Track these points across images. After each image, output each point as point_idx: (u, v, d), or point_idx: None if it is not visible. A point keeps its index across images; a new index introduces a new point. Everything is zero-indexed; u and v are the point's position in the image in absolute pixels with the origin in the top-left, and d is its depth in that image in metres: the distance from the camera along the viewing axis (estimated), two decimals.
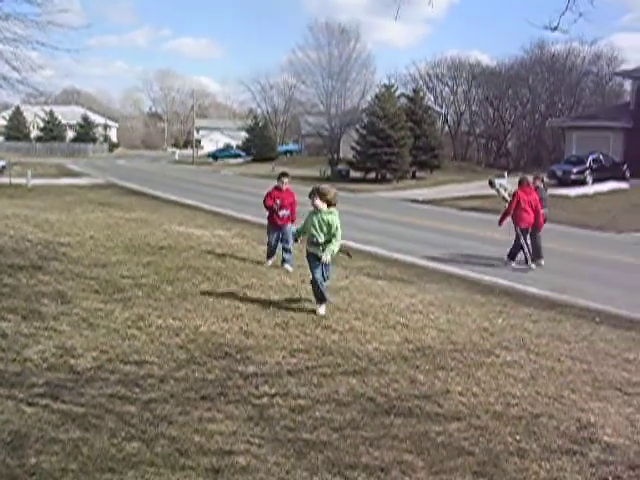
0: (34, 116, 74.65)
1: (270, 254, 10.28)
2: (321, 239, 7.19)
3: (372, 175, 38.41)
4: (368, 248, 13.36)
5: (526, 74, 53.35)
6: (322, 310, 7.32)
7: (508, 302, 8.95)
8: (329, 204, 7.22)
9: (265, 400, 4.77)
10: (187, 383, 5.02)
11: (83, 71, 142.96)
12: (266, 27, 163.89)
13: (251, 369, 5.40)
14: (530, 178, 12.72)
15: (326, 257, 7.15)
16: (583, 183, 29.74)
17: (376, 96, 39.45)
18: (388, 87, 40.16)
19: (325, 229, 7.17)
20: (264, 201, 10.14)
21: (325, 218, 7.18)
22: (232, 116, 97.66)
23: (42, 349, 5.56)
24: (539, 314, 8.25)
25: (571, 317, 8.26)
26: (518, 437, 4.41)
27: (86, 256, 9.99)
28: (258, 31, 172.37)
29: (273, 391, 4.95)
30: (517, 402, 5.06)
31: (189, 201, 22.15)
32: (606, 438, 4.49)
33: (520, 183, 12.40)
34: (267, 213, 10.23)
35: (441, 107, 57.55)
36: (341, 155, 44.82)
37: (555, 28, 5.85)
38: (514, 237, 12.17)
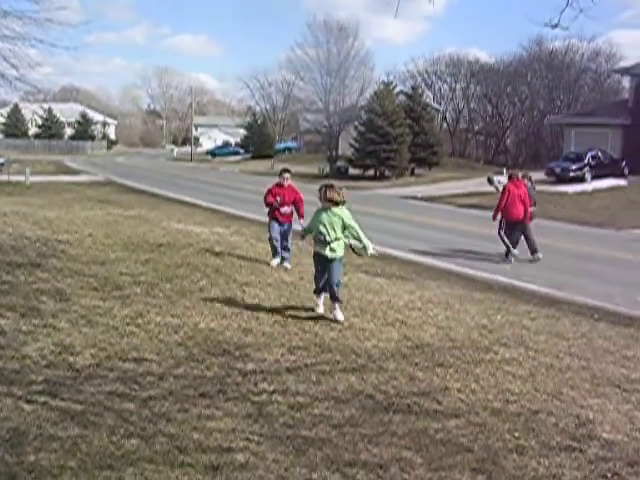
0: (32, 113, 74.37)
1: (275, 253, 9.96)
2: (329, 237, 6.92)
3: (371, 172, 38.41)
4: None
5: (525, 71, 53.37)
6: (340, 315, 6.95)
7: (507, 299, 8.97)
8: (337, 203, 6.94)
9: (264, 397, 4.77)
10: (186, 380, 5.01)
11: (81, 68, 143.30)
12: (265, 25, 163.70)
13: (250, 366, 5.40)
14: (519, 175, 12.94)
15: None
16: (582, 180, 29.74)
17: (375, 93, 39.48)
18: (387, 84, 40.20)
19: (336, 227, 6.90)
20: (264, 198, 9.90)
21: (337, 213, 6.91)
22: (231, 113, 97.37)
23: (41, 346, 5.56)
24: (538, 311, 8.26)
25: (570, 314, 8.27)
26: (517, 434, 4.41)
27: (85, 253, 9.98)
28: (257, 29, 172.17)
29: (272, 388, 4.95)
30: (516, 399, 5.06)
31: (188, 198, 22.11)
32: (605, 435, 4.50)
33: (510, 177, 12.86)
34: (267, 210, 10.02)
35: (440, 104, 57.52)
36: (340, 152, 44.72)
37: (555, 25, 5.83)
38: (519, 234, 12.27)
